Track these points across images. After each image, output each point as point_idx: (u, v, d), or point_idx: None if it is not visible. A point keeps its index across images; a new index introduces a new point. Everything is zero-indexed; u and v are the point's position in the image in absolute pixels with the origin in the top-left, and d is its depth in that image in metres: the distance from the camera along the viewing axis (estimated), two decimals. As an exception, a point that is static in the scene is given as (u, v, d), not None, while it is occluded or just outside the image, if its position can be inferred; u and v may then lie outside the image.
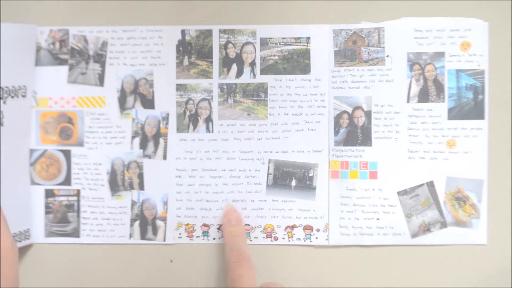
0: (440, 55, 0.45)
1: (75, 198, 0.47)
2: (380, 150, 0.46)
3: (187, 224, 0.47)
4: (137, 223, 0.47)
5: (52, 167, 0.47)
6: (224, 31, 0.46)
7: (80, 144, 0.47)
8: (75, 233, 0.47)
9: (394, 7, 0.46)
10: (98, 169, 0.47)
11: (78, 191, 0.47)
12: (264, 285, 0.41)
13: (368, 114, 0.46)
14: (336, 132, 0.46)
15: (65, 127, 0.47)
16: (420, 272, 0.46)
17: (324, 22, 0.46)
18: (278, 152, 0.46)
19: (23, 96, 0.46)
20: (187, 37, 0.47)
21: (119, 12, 0.47)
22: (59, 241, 0.47)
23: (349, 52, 0.46)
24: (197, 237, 0.47)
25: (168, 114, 0.47)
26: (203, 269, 0.47)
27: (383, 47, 0.46)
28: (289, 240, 0.46)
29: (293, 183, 0.46)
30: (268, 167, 0.46)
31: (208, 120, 0.47)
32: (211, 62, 0.47)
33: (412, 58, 0.45)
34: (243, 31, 0.46)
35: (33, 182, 0.47)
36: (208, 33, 0.47)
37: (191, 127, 0.47)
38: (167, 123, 0.47)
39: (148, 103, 0.47)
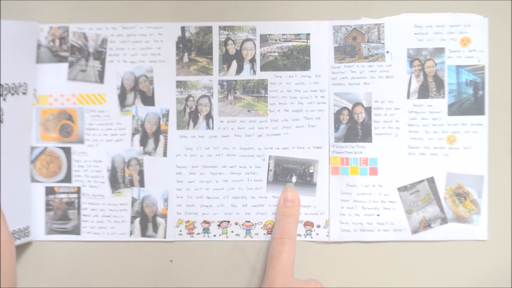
0: (440, 51, 0.45)
1: (75, 195, 0.47)
2: (380, 146, 0.46)
3: (188, 221, 0.47)
4: (137, 220, 0.47)
5: (53, 164, 0.47)
6: (224, 28, 0.46)
7: (80, 141, 0.47)
8: (76, 230, 0.47)
9: (393, 3, 0.46)
10: (98, 166, 0.47)
11: (79, 188, 0.47)
12: (304, 284, 0.41)
13: (368, 110, 0.46)
14: (336, 129, 0.46)
15: (65, 124, 0.47)
16: (421, 268, 0.46)
17: (323, 19, 0.46)
18: (278, 148, 0.46)
19: (24, 93, 0.46)
20: (187, 34, 0.46)
21: (119, 9, 0.47)
22: (59, 238, 0.47)
23: (349, 48, 0.46)
24: (197, 234, 0.47)
25: (168, 111, 0.47)
26: (203, 266, 0.47)
27: (383, 43, 0.45)
28: (289, 237, 0.46)
29: (294, 179, 0.46)
30: (269, 163, 0.46)
31: (208, 116, 0.47)
32: (211, 58, 0.47)
33: (412, 54, 0.45)
34: (243, 27, 0.46)
35: (34, 180, 0.47)
36: (208, 29, 0.47)
37: (191, 124, 0.47)
38: (167, 120, 0.47)
39: (148, 100, 0.47)
